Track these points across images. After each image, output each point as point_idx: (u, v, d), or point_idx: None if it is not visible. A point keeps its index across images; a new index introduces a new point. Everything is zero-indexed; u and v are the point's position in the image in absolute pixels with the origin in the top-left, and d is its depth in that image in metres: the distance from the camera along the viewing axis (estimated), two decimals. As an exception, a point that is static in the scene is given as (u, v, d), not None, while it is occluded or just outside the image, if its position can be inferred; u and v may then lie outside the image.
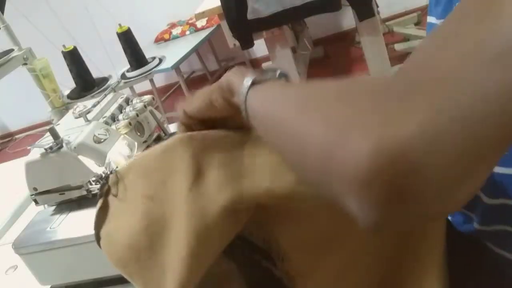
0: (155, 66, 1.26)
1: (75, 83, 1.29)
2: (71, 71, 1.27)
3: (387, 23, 3.13)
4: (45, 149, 0.78)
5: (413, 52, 0.36)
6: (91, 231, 0.77)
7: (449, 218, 0.71)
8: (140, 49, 1.26)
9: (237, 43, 2.55)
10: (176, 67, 3.04)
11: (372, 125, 0.30)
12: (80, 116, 0.87)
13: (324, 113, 0.34)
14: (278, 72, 0.48)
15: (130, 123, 0.87)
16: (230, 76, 0.52)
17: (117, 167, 0.60)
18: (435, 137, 0.29)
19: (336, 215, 0.50)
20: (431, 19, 0.60)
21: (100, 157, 0.80)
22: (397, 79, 0.33)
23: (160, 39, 3.66)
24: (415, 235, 0.58)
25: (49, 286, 0.86)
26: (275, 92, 0.45)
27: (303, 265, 0.58)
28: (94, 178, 0.84)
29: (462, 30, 0.33)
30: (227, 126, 0.58)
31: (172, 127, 1.21)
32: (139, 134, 0.90)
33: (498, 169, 0.58)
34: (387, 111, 0.30)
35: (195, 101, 0.57)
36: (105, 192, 0.60)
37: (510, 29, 0.30)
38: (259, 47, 3.28)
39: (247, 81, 0.48)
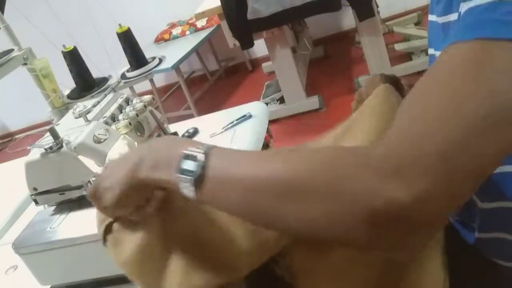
0: (155, 66, 1.26)
1: (75, 83, 1.29)
2: (71, 71, 1.27)
3: (387, 23, 3.13)
4: (45, 149, 0.78)
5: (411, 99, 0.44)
6: (91, 231, 0.77)
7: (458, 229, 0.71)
8: (140, 49, 1.26)
9: (237, 43, 2.55)
10: (176, 67, 3.04)
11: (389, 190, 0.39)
12: (80, 116, 0.87)
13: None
14: (203, 150, 0.49)
15: (130, 123, 0.87)
16: (135, 175, 0.54)
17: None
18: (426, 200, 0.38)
19: None
20: (431, 17, 0.61)
21: (100, 157, 0.80)
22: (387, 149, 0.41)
23: (160, 39, 3.66)
24: None
25: (49, 286, 0.86)
26: (231, 170, 0.48)
27: (305, 261, 0.58)
28: (94, 178, 0.84)
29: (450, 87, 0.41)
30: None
31: (172, 127, 1.21)
32: (139, 134, 0.90)
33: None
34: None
35: (110, 195, 0.57)
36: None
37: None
38: (259, 47, 3.28)
39: (184, 180, 0.49)
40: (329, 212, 0.41)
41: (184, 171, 0.49)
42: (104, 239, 0.61)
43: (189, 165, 0.49)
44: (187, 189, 0.49)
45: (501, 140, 0.39)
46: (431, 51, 0.61)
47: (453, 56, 0.43)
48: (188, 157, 0.50)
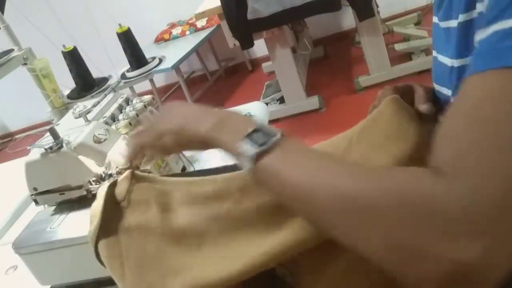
0: (155, 66, 1.26)
1: (75, 83, 1.29)
2: (71, 71, 1.27)
3: (387, 23, 3.13)
4: (45, 149, 0.78)
5: (448, 139, 0.41)
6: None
7: None
8: (140, 49, 1.26)
9: (237, 43, 2.55)
10: (176, 67, 3.04)
11: (445, 251, 0.36)
12: (80, 116, 0.87)
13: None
14: (277, 136, 0.48)
15: (130, 123, 0.87)
16: (207, 130, 0.53)
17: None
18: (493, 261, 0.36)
19: None
20: (435, 19, 0.60)
21: (100, 157, 0.80)
22: (445, 195, 0.38)
23: (160, 39, 3.66)
24: None
25: (49, 286, 0.86)
26: (294, 168, 0.46)
27: (311, 261, 0.57)
28: (94, 178, 0.84)
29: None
30: None
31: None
32: (139, 134, 0.90)
33: None
34: (454, 237, 0.36)
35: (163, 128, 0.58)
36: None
37: None
38: (259, 47, 3.28)
39: (248, 149, 0.48)
40: (389, 248, 0.39)
41: (251, 140, 0.49)
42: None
43: (258, 137, 0.49)
44: (246, 164, 0.48)
45: None
46: (434, 53, 0.61)
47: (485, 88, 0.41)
48: (258, 131, 0.49)
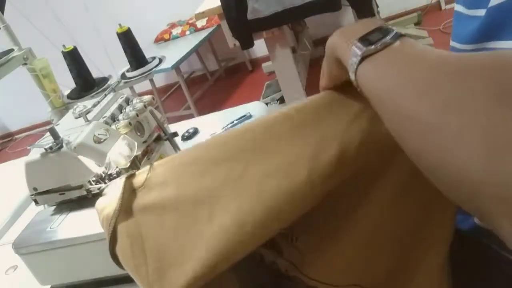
0: (155, 66, 1.26)
1: (75, 83, 1.29)
2: (71, 71, 1.27)
3: (387, 23, 3.13)
4: (45, 149, 0.78)
5: None
6: (91, 231, 0.77)
7: None
8: (140, 49, 1.25)
9: (237, 43, 2.55)
10: (176, 67, 3.04)
11: None
12: (80, 116, 0.87)
13: (474, 121, 0.30)
14: (391, 35, 0.41)
15: (130, 123, 0.87)
16: (334, 41, 0.48)
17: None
18: None
19: (350, 195, 0.50)
20: (458, 7, 0.58)
21: (100, 157, 0.80)
22: None
23: (160, 39, 3.66)
24: (429, 225, 0.57)
25: (49, 286, 0.86)
26: (393, 72, 0.38)
27: (316, 240, 0.56)
28: (94, 178, 0.84)
29: None
30: None
31: (172, 127, 1.21)
32: (139, 134, 0.90)
33: None
34: None
35: (322, 76, 0.55)
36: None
37: None
38: (259, 47, 3.28)
39: (355, 53, 0.42)
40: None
41: (364, 42, 0.42)
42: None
43: (373, 37, 0.42)
44: (354, 60, 0.42)
45: None
46: (453, 44, 0.57)
47: None
48: (377, 30, 0.43)
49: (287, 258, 0.58)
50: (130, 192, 0.58)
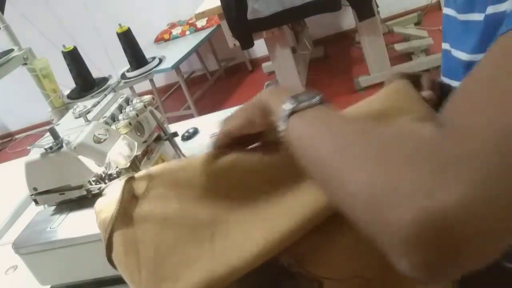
0: (155, 66, 1.26)
1: (75, 83, 1.29)
2: (71, 71, 1.27)
3: (387, 23, 3.13)
4: (45, 149, 0.78)
5: (456, 96, 0.40)
6: (91, 231, 0.77)
7: None
8: (140, 49, 1.25)
9: (237, 43, 2.55)
10: (176, 67, 3.04)
11: (418, 194, 0.33)
12: (80, 116, 0.87)
13: (371, 165, 0.37)
14: (317, 98, 0.48)
15: (130, 123, 0.87)
16: (267, 97, 0.54)
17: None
18: (475, 208, 0.32)
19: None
20: (448, 10, 0.59)
21: (100, 157, 0.80)
22: (444, 140, 0.36)
23: (160, 39, 3.66)
24: None
25: (49, 286, 0.86)
26: (317, 126, 0.46)
27: (317, 238, 0.57)
28: (94, 178, 0.84)
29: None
30: (262, 140, 0.60)
31: (172, 127, 1.21)
32: (139, 134, 0.90)
33: None
34: (432, 179, 0.33)
35: (234, 119, 0.59)
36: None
37: None
38: (259, 47, 3.28)
39: (287, 107, 0.48)
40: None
41: (293, 99, 0.49)
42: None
43: (302, 97, 0.49)
44: (282, 118, 0.48)
45: None
46: (445, 45, 0.60)
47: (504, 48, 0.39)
48: (304, 93, 0.49)
49: (290, 255, 0.58)
50: (129, 198, 0.58)
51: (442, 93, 0.61)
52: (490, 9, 0.49)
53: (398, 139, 0.39)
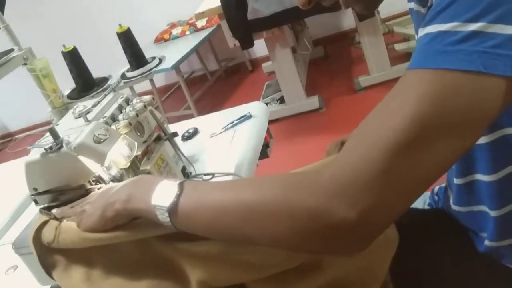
0: (155, 66, 1.26)
1: (75, 83, 1.29)
2: (71, 71, 1.27)
3: (387, 23, 3.13)
4: (45, 149, 0.78)
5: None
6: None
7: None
8: (140, 49, 1.25)
9: (237, 43, 2.55)
10: (176, 67, 3.04)
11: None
12: (80, 116, 0.87)
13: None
14: (179, 187, 0.56)
15: (130, 123, 0.87)
16: (126, 204, 0.61)
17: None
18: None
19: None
20: (411, 5, 0.62)
21: (100, 157, 0.80)
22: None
23: (160, 39, 3.66)
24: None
25: (49, 286, 0.86)
26: (197, 201, 0.56)
27: None
28: (94, 178, 0.84)
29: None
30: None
31: (172, 127, 1.21)
32: (139, 134, 0.90)
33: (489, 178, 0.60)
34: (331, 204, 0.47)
35: (89, 221, 0.66)
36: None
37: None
38: (259, 47, 3.28)
39: (162, 211, 0.56)
40: (291, 229, 0.48)
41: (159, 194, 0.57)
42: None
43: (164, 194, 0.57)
44: (163, 215, 0.56)
45: (429, 159, 0.44)
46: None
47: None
48: (163, 187, 0.57)
49: None
50: (40, 245, 0.69)
51: None
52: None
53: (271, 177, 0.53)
